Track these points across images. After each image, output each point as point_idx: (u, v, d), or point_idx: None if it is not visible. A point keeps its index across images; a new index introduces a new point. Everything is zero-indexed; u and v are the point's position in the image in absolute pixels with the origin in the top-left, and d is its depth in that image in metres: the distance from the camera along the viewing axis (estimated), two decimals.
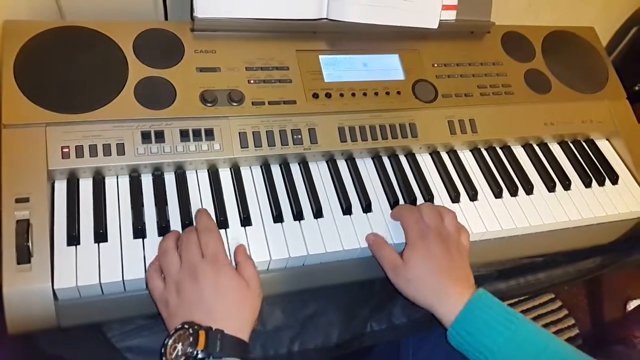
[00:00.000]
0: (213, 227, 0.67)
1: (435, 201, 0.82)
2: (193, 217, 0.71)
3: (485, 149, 0.91)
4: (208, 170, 0.77)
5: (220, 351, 0.55)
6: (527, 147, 0.94)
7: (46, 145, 0.68)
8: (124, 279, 0.65)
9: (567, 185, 0.90)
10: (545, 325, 1.59)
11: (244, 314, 0.61)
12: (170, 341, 0.56)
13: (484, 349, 0.63)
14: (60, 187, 0.70)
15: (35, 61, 0.73)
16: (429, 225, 0.72)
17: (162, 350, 0.56)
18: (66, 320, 0.64)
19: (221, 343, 0.56)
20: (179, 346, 0.55)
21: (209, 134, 0.75)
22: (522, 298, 1.62)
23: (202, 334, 0.55)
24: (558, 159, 0.94)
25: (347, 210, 0.77)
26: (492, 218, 0.82)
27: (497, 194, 0.85)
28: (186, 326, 0.56)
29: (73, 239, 0.66)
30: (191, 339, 0.55)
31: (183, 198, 0.73)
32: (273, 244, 0.72)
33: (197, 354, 0.54)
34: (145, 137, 0.73)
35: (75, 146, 0.70)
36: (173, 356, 0.55)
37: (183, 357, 0.55)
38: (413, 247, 0.70)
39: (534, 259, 0.91)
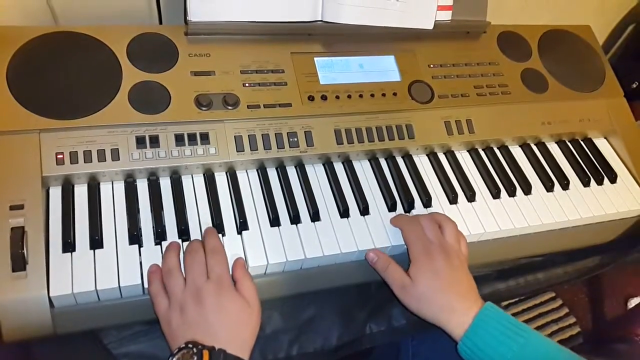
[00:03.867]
0: (220, 249, 0.67)
1: (433, 202, 0.82)
2: (189, 222, 0.71)
3: (483, 150, 0.91)
4: (204, 175, 0.76)
5: None
6: (525, 147, 0.93)
7: (40, 151, 0.68)
8: (120, 285, 0.64)
9: (565, 184, 0.90)
10: (546, 324, 1.58)
11: (246, 334, 0.63)
12: None
13: None
14: (55, 194, 0.69)
15: (28, 67, 0.72)
16: (432, 240, 0.71)
17: None
18: (62, 328, 0.64)
19: None
20: None
21: (205, 138, 0.75)
22: (522, 297, 1.62)
23: (205, 353, 0.56)
24: (556, 158, 0.93)
25: (344, 213, 0.77)
26: (490, 219, 0.82)
27: (495, 195, 0.85)
28: (190, 345, 0.57)
29: (68, 245, 0.65)
30: (195, 357, 0.56)
31: (179, 203, 0.72)
32: (270, 248, 0.71)
33: None
34: (140, 142, 0.72)
35: (70, 152, 0.69)
36: None
37: None
38: (418, 264, 0.70)
39: (533, 259, 0.91)
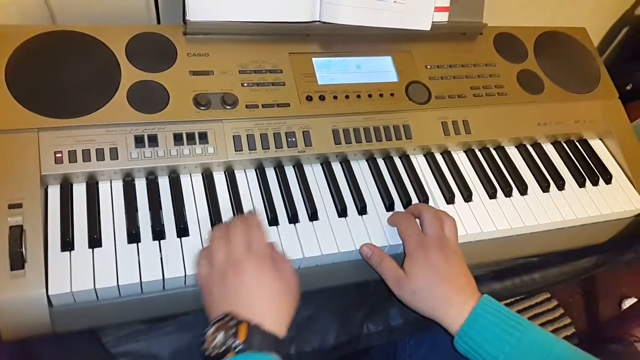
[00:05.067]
0: (261, 226, 0.68)
1: (429, 202, 0.82)
2: (187, 221, 0.71)
3: (479, 150, 0.91)
4: (202, 174, 0.76)
5: (259, 345, 0.57)
6: (521, 148, 0.94)
7: (39, 150, 0.68)
8: (119, 284, 0.64)
9: (561, 185, 0.90)
10: (542, 325, 1.59)
11: (282, 310, 0.63)
12: (211, 330, 0.57)
13: (491, 358, 0.64)
14: (54, 193, 0.69)
15: (27, 66, 0.72)
16: (428, 234, 0.71)
17: (202, 338, 0.57)
18: (61, 326, 0.64)
19: (260, 338, 0.57)
20: (219, 336, 0.56)
21: (203, 137, 0.75)
22: (517, 298, 1.63)
23: (243, 326, 0.57)
24: (552, 159, 0.94)
25: (342, 212, 0.77)
26: (487, 219, 0.82)
27: (492, 195, 0.85)
28: (227, 317, 0.57)
29: (67, 244, 0.65)
30: (233, 330, 0.56)
31: (177, 202, 0.72)
32: None
33: (237, 345, 0.56)
34: (139, 141, 0.72)
35: (68, 151, 0.69)
36: (212, 345, 0.56)
37: (223, 347, 0.56)
38: (413, 258, 0.70)
39: (528, 259, 0.91)
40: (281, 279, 0.64)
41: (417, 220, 0.75)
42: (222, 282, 0.62)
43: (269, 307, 0.61)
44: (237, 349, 0.56)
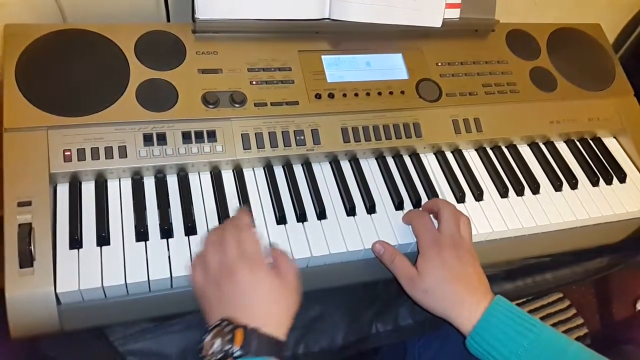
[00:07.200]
0: (251, 226, 0.67)
1: None
2: (195, 219, 0.71)
3: (491, 148, 0.90)
4: (211, 172, 0.76)
5: (256, 350, 0.55)
6: (533, 146, 0.93)
7: (48, 148, 0.68)
8: (127, 282, 0.64)
9: (574, 184, 0.89)
10: (554, 325, 1.57)
11: (280, 312, 0.61)
12: (209, 337, 0.56)
13: (504, 359, 0.63)
14: (63, 191, 0.70)
15: (37, 64, 0.73)
16: (444, 232, 0.71)
17: (200, 345, 0.57)
18: (69, 324, 0.64)
19: (257, 342, 0.56)
20: (217, 342, 0.55)
21: (211, 135, 0.75)
22: (529, 297, 1.61)
23: (239, 331, 0.55)
24: (565, 157, 0.92)
25: (350, 211, 0.77)
26: (498, 218, 0.81)
27: (503, 194, 0.84)
28: (224, 323, 0.57)
29: (75, 242, 0.66)
30: (229, 336, 0.55)
31: (186, 200, 0.72)
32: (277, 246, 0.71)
33: (234, 350, 0.54)
34: (147, 139, 0.72)
35: (77, 149, 0.69)
36: (210, 352, 0.55)
37: (221, 354, 0.55)
38: (426, 255, 0.69)
39: (541, 259, 0.90)
40: (275, 278, 0.62)
41: (433, 216, 0.75)
42: (217, 288, 0.61)
43: (266, 310, 0.60)
44: (235, 355, 0.54)
